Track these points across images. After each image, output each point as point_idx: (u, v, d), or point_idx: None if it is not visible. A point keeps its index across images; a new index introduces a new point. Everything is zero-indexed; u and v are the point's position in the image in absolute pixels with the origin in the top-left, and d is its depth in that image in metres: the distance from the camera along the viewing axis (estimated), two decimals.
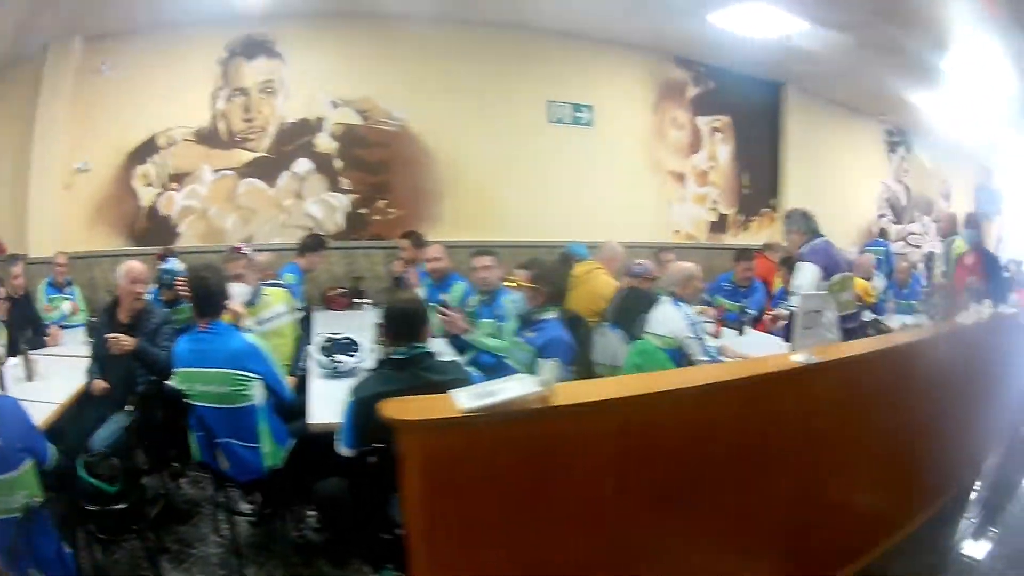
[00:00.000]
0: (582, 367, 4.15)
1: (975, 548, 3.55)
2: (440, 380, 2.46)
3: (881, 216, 10.58)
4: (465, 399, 1.83)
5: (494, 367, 3.56)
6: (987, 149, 11.98)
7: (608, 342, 4.35)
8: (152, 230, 6.06)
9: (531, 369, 3.25)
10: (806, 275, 4.13)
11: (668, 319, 3.91)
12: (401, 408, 1.91)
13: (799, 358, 2.66)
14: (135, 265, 3.76)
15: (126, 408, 3.46)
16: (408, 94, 6.63)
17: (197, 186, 6.18)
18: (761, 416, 2.55)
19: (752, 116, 8.65)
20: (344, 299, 5.90)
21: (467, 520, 1.89)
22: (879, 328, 5.69)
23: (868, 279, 6.53)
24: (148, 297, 3.92)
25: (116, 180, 5.94)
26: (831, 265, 4.23)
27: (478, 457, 1.89)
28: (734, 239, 8.42)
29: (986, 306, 4.09)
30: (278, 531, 3.39)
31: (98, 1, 5.35)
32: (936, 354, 3.45)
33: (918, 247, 10.97)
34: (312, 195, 6.49)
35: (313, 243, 5.34)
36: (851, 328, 4.31)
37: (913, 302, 6.53)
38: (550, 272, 3.76)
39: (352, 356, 3.72)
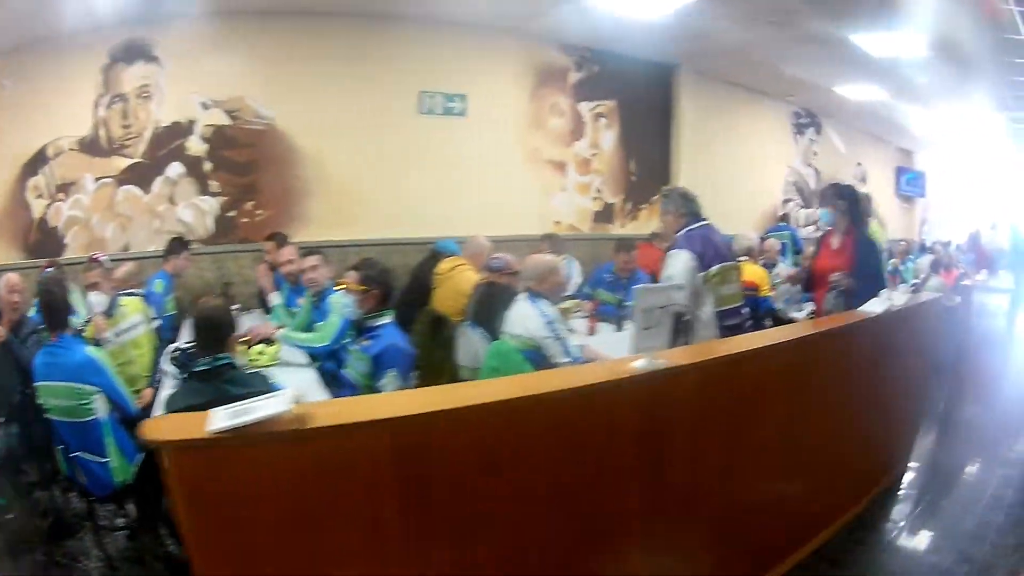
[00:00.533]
0: (447, 370, 4.14)
1: (913, 540, 3.64)
2: (239, 393, 2.29)
3: (787, 200, 10.49)
4: (218, 418, 1.72)
5: (334, 376, 3.67)
6: (905, 130, 12.05)
7: (470, 343, 4.17)
8: (43, 242, 5.79)
9: (368, 380, 3.25)
10: (677, 264, 3.67)
11: (524, 318, 3.71)
12: (156, 427, 1.88)
13: (640, 364, 2.32)
14: (11, 277, 3.91)
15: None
16: (275, 91, 6.38)
17: (81, 196, 5.96)
18: (583, 434, 2.23)
19: (641, 100, 8.38)
20: None
21: (234, 543, 1.80)
22: (777, 319, 5.70)
23: (773, 265, 6.57)
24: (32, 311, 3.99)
25: (11, 193, 5.69)
26: (709, 253, 3.72)
27: (238, 479, 1.78)
28: (622, 229, 8.20)
29: (900, 292, 3.91)
30: (147, 545, 3.41)
31: None
32: (839, 346, 3.34)
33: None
34: (184, 199, 6.26)
35: (174, 247, 5.30)
36: (737, 324, 3.85)
37: None
38: (381, 273, 3.52)
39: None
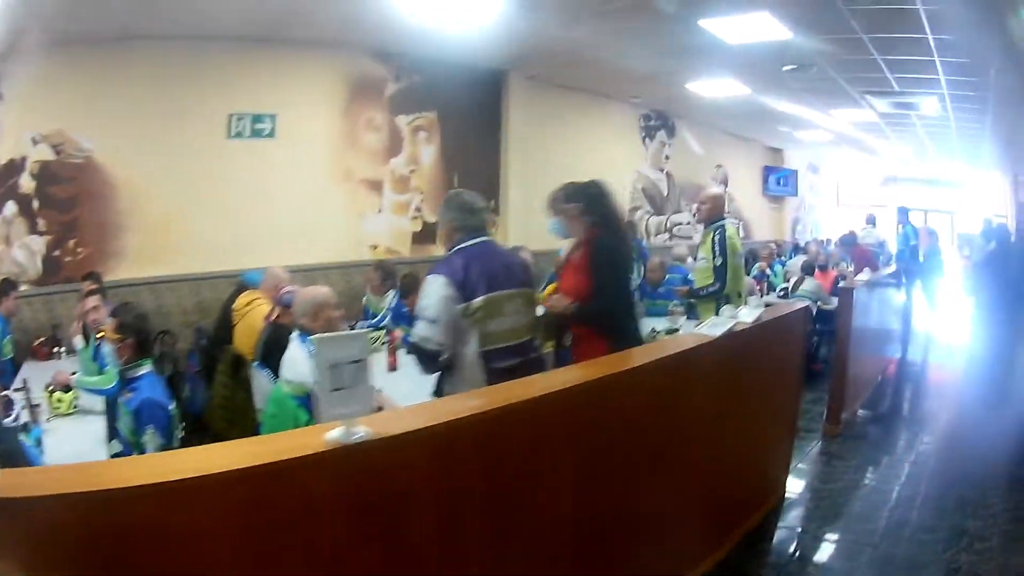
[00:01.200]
0: (249, 414, 4.08)
1: (810, 552, 3.71)
2: None
3: (635, 209, 10.51)
4: None
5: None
6: (773, 128, 12.22)
7: (260, 386, 3.97)
8: None
9: (133, 436, 3.06)
10: (429, 293, 3.07)
11: (294, 361, 3.43)
12: None
13: (333, 436, 1.81)
14: None
15: None
16: (94, 122, 6.10)
17: None
18: (274, 524, 1.78)
19: (466, 110, 8.19)
20: (45, 348, 5.73)
21: None
22: None
23: None
24: None
25: None
26: (473, 279, 3.07)
27: None
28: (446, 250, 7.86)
29: (750, 307, 3.71)
30: None
31: None
32: (658, 380, 2.92)
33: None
34: (17, 239, 5.99)
35: (3, 288, 5.28)
36: (516, 364, 3.13)
37: (669, 303, 6.30)
38: (137, 319, 3.29)
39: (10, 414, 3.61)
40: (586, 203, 3.62)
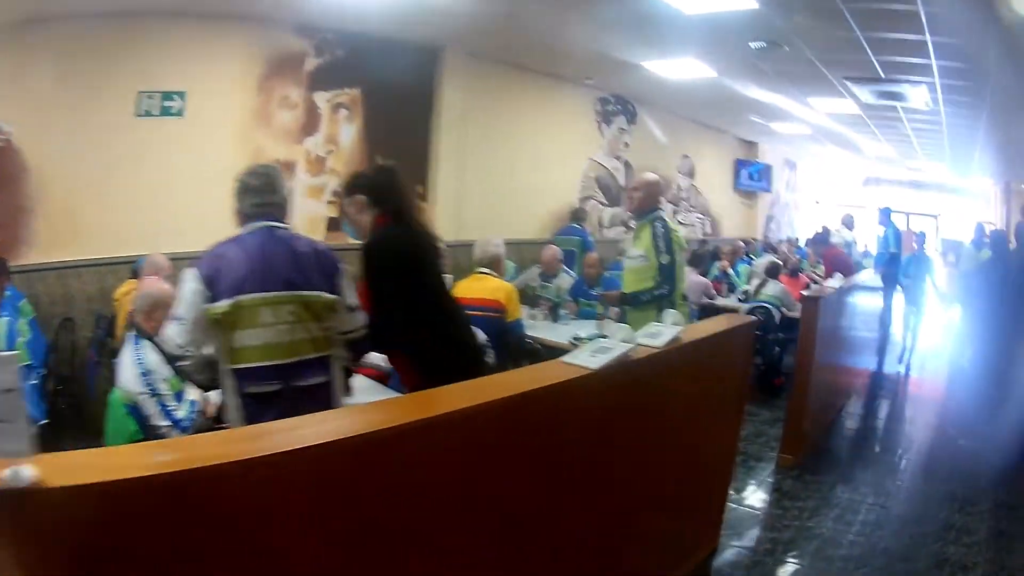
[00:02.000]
0: None
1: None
2: None
3: (586, 199, 10.23)
4: None
5: None
6: (745, 117, 12.00)
7: None
8: None
9: None
10: (182, 289, 2.65)
11: (123, 366, 3.29)
12: None
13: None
14: None
15: None
16: (12, 104, 5.86)
17: None
18: None
19: (395, 87, 7.76)
20: None
21: None
22: (522, 350, 5.08)
23: (553, 275, 6.50)
24: None
25: None
26: (230, 275, 2.60)
27: None
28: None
29: (662, 327, 2.96)
30: None
31: None
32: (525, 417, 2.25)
33: None
34: None
35: None
36: (298, 388, 2.64)
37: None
38: None
39: None
40: (373, 193, 3.07)
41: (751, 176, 15.10)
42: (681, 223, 12.74)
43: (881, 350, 8.68)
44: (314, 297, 2.72)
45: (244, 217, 2.83)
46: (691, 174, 12.91)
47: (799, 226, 18.19)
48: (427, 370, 2.83)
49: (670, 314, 3.23)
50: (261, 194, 2.86)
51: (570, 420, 2.42)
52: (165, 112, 6.50)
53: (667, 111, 11.55)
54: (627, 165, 10.78)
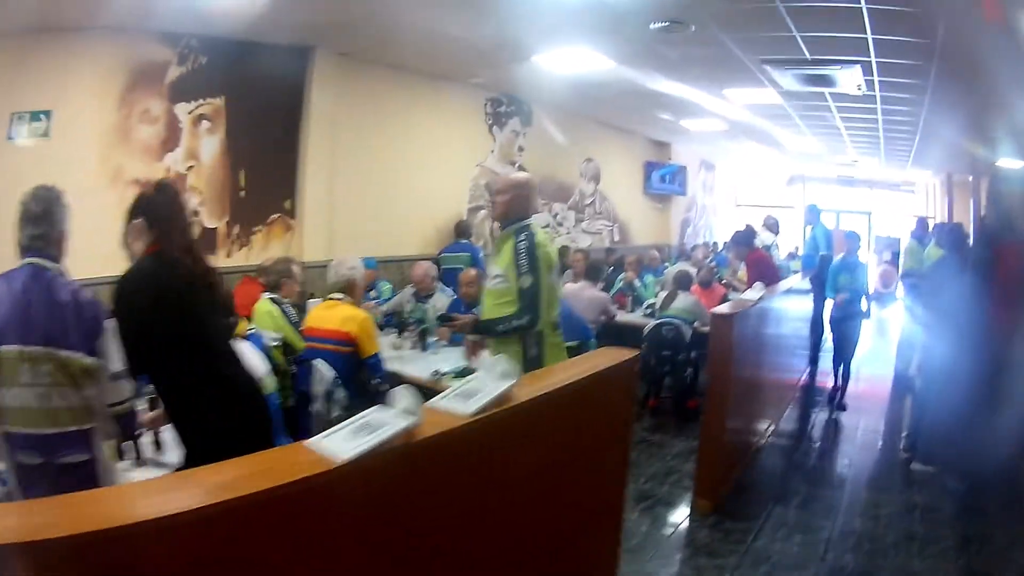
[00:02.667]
0: None
1: None
2: None
3: (476, 209, 10.52)
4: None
5: None
6: (656, 116, 12.25)
7: None
8: None
9: None
10: None
11: None
12: None
13: None
14: None
15: None
16: None
17: None
18: None
19: (260, 94, 7.94)
20: None
21: None
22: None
23: (428, 294, 6.65)
24: None
25: None
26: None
27: None
28: (228, 260, 7.69)
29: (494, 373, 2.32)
30: None
31: None
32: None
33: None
34: None
35: None
36: (61, 466, 2.57)
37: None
38: None
39: None
40: (149, 216, 2.95)
41: (663, 179, 15.54)
42: (586, 232, 13.11)
43: (814, 360, 9.00)
44: (71, 359, 2.57)
45: (21, 249, 2.72)
46: (596, 178, 13.34)
47: (718, 230, 18.58)
48: (194, 429, 2.76)
49: (497, 363, 2.30)
50: (38, 223, 2.75)
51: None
52: (33, 133, 6.61)
53: (567, 110, 11.80)
54: (522, 170, 10.81)
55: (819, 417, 7.61)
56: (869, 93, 8.85)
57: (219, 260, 7.47)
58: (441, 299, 6.70)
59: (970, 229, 13.83)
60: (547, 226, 11.72)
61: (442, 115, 9.95)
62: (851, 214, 20.95)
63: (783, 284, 7.58)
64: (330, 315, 4.81)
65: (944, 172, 16.73)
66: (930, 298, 7.44)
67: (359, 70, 8.65)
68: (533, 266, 3.66)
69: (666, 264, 11.09)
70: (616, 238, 14.30)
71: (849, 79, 8.16)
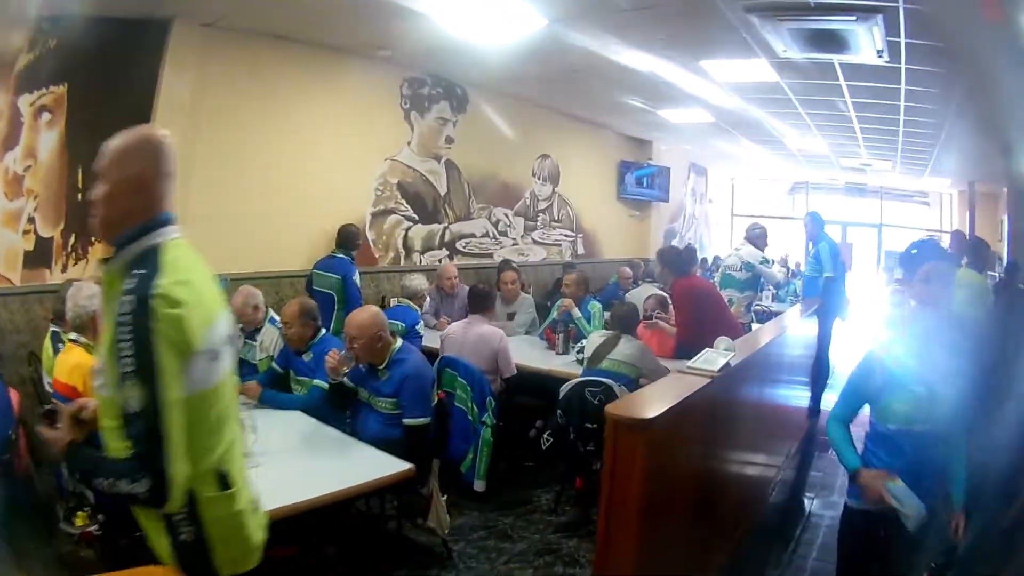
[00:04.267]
0: None
1: None
2: None
3: (385, 212, 8.92)
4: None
5: None
6: (622, 107, 10.88)
7: None
8: None
9: None
10: None
11: None
12: None
13: None
14: None
15: None
16: None
17: None
18: None
19: (106, 79, 6.79)
20: None
21: None
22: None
23: (256, 328, 5.56)
24: None
25: None
26: None
27: None
28: (64, 275, 6.62)
29: None
30: None
31: None
32: None
33: (488, 255, 10.17)
34: None
35: None
36: None
37: (311, 381, 4.87)
38: None
39: None
40: None
41: (640, 182, 14.27)
42: (539, 243, 11.80)
43: (815, 411, 7.57)
44: None
45: None
46: (554, 179, 11.91)
47: (713, 244, 17.87)
48: None
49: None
50: None
51: None
52: None
53: (515, 96, 10.45)
54: (451, 167, 9.57)
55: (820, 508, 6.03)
56: (892, 64, 7.02)
57: (54, 276, 6.66)
58: (271, 334, 5.51)
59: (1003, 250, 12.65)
60: (486, 235, 10.34)
61: (341, 98, 8.41)
62: (859, 227, 20.18)
63: (764, 331, 5.89)
64: (63, 362, 4.01)
65: (966, 181, 15.65)
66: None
67: (227, 43, 7.30)
68: (146, 358, 1.85)
69: (638, 283, 9.70)
70: (580, 251, 12.92)
71: (867, 40, 6.32)
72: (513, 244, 11.07)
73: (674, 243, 15.03)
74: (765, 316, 9.60)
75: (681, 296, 6.48)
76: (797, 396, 7.01)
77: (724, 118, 11.08)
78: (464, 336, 5.92)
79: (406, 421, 4.29)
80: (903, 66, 7.05)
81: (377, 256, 8.72)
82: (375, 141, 8.83)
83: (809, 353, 7.45)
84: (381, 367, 4.42)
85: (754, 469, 5.35)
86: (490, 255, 10.21)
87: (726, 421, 4.33)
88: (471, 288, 6.85)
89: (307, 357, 4.82)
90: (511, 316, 7.67)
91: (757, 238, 8.42)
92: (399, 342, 4.55)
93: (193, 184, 7.00)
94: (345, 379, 4.43)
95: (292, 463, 3.64)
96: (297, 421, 4.35)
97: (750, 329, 7.17)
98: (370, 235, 8.59)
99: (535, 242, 11.63)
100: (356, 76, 8.45)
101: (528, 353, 6.63)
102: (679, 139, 14.29)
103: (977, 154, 11.15)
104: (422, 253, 9.18)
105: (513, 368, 5.94)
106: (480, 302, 6.23)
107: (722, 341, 4.09)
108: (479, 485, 5.47)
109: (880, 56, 6.70)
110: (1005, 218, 14.17)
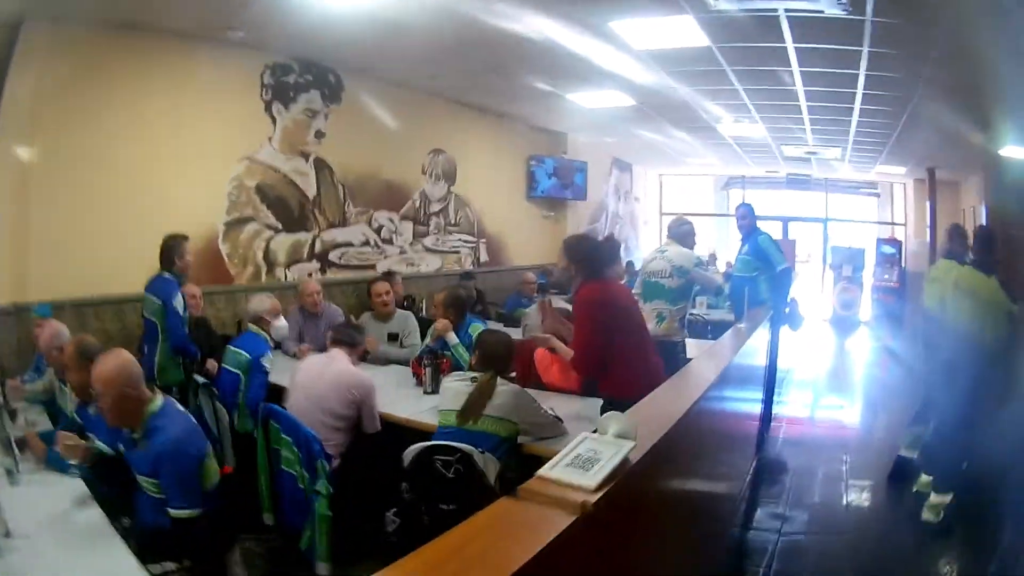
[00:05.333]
0: None
1: None
2: None
3: (241, 221, 8.45)
4: None
5: None
6: (527, 91, 10.57)
7: None
8: None
9: None
10: None
11: None
12: None
13: None
14: None
15: None
16: None
17: None
18: None
19: None
20: None
21: None
22: None
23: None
24: None
25: None
26: None
27: None
28: None
29: None
30: None
31: None
32: None
33: (370, 266, 9.83)
34: None
35: None
36: None
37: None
38: None
39: None
40: None
41: (554, 179, 14.17)
42: (433, 250, 11.52)
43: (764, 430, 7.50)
44: None
45: None
46: (449, 177, 11.64)
47: (641, 246, 18.05)
48: None
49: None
50: None
51: None
52: None
53: (400, 83, 10.17)
54: (321, 166, 9.17)
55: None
56: (855, 17, 6.50)
57: None
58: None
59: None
60: (366, 243, 9.95)
61: (185, 91, 7.93)
62: (803, 222, 20.64)
63: (702, 366, 4.69)
64: None
65: (924, 168, 15.74)
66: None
67: (77, 40, 7.07)
68: None
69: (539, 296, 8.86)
70: (483, 258, 12.70)
71: None
72: (400, 253, 10.75)
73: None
74: (702, 327, 9.23)
75: (580, 305, 4.72)
76: (744, 439, 6.36)
77: (646, 100, 10.70)
78: (320, 375, 5.12)
79: (170, 512, 3.51)
80: (868, 18, 6.52)
81: (233, 273, 8.23)
82: (228, 139, 8.39)
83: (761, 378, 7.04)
84: (136, 435, 3.69)
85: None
86: (372, 266, 9.88)
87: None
88: (338, 325, 6.27)
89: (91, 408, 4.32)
90: (393, 337, 7.19)
91: (685, 236, 7.31)
92: (158, 400, 3.73)
93: (33, 198, 6.80)
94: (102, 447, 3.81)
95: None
96: (64, 496, 3.66)
97: (683, 350, 6.68)
98: (224, 248, 8.14)
99: (428, 250, 11.34)
100: (205, 65, 8.01)
101: (392, 392, 5.74)
102: (598, 130, 14.17)
103: (944, 135, 10.95)
104: (287, 267, 8.74)
105: (377, 423, 5.15)
106: (344, 333, 5.52)
107: (612, 420, 2.48)
108: (322, 568, 4.53)
109: (841, 5, 6.16)
110: (975, 208, 14.13)
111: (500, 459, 4.22)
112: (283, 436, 4.72)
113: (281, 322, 6.49)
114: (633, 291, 7.21)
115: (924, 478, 6.19)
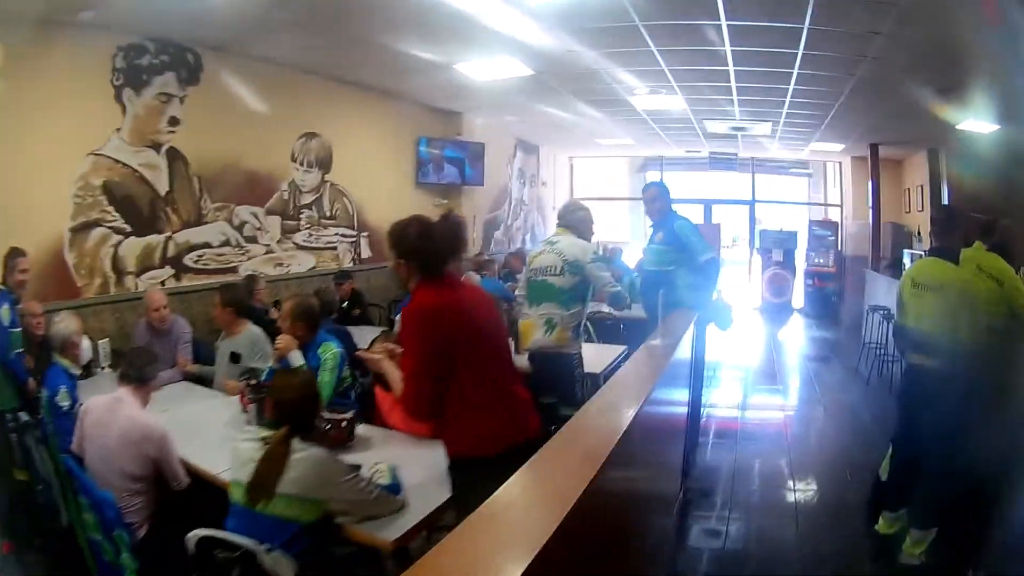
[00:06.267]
0: None
1: None
2: None
3: (89, 225, 8.20)
4: None
5: None
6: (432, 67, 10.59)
7: None
8: None
9: None
10: None
11: None
12: None
13: None
14: None
15: None
16: None
17: None
18: None
19: None
20: None
21: None
22: None
23: None
24: None
25: None
26: None
27: None
28: None
29: None
30: None
31: None
32: None
33: (232, 270, 9.76)
34: None
35: None
36: None
37: None
38: None
39: None
40: None
41: (446, 163, 14.22)
42: (306, 247, 11.43)
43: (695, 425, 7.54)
44: None
45: None
46: (323, 164, 11.55)
47: (551, 233, 17.19)
48: None
49: None
50: None
51: None
52: None
53: (271, 61, 10.07)
54: (175, 157, 8.95)
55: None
56: None
57: None
58: None
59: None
60: (226, 243, 9.78)
61: (21, 82, 7.64)
62: (728, 204, 20.91)
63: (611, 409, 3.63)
64: None
65: (866, 145, 15.79)
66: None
67: None
68: None
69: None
70: (365, 254, 12.69)
71: None
72: (267, 252, 10.57)
73: (497, 236, 14.87)
74: (612, 327, 8.93)
75: (407, 319, 3.88)
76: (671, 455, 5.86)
77: (547, 68, 10.34)
78: (107, 426, 4.63)
79: None
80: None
81: (80, 284, 7.97)
82: (73, 132, 8.10)
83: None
84: None
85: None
86: (234, 269, 9.75)
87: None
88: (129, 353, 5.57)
89: None
90: (236, 359, 6.66)
91: (580, 223, 6.81)
92: None
93: None
94: None
95: None
96: None
97: (580, 364, 6.31)
98: (70, 258, 7.89)
99: (299, 247, 11.22)
100: (47, 50, 7.76)
101: (218, 433, 5.18)
102: (496, 109, 14.22)
103: (893, 106, 10.87)
104: (138, 275, 8.50)
105: (182, 479, 4.65)
106: (131, 367, 4.93)
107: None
108: None
109: None
110: (923, 186, 14.29)
111: (300, 555, 3.68)
112: (80, 498, 4.41)
113: (86, 343, 6.33)
114: (517, 292, 6.90)
115: (887, 516, 6.02)
